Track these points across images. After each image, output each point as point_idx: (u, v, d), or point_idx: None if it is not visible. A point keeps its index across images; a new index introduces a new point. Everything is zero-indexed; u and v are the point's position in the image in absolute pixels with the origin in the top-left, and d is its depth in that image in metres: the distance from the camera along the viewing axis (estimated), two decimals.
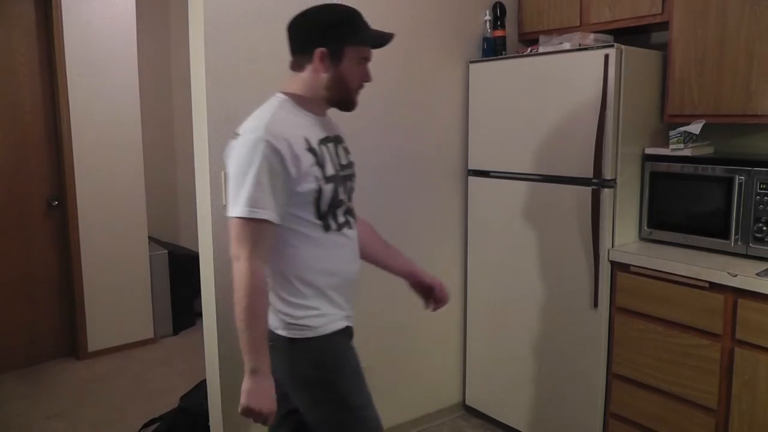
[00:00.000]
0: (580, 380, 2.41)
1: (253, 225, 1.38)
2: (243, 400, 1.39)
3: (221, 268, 2.10)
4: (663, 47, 2.38)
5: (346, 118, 2.51)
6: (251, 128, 1.41)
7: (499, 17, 2.70)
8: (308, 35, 1.48)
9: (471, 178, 2.77)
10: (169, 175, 4.49)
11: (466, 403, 2.94)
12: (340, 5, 1.54)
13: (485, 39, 2.71)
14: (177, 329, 4.04)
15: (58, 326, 3.64)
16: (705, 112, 2.23)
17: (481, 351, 2.84)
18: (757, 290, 1.88)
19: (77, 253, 3.56)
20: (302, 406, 1.57)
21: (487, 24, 2.71)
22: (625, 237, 2.35)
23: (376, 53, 2.44)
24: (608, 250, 2.29)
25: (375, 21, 2.41)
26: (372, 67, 2.42)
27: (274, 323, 1.51)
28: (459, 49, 2.69)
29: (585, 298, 2.36)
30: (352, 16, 1.51)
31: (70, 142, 3.47)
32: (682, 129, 2.27)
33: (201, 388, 2.63)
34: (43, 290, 3.57)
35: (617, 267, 2.27)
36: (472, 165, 2.76)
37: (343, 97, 1.54)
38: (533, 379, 2.60)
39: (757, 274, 1.91)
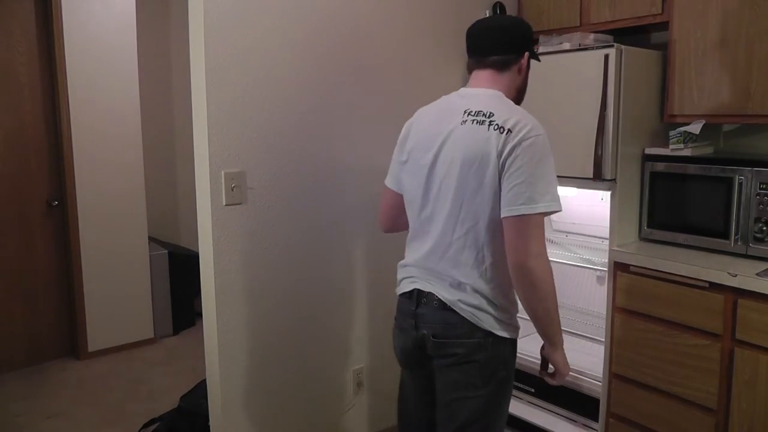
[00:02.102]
0: None
1: (544, 218, 1.43)
2: (567, 368, 1.57)
3: (221, 268, 2.10)
4: (663, 47, 2.38)
5: (344, 118, 2.50)
6: (532, 125, 1.43)
7: None
8: (519, 40, 1.58)
9: None
10: (169, 175, 4.49)
11: None
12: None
13: None
14: (177, 329, 4.04)
15: (58, 326, 3.64)
16: (705, 112, 2.23)
17: None
18: (757, 290, 1.88)
19: (77, 253, 3.56)
20: (471, 401, 1.56)
21: None
22: (625, 237, 2.35)
23: (376, 54, 2.45)
24: (608, 250, 2.29)
25: (375, 21, 2.43)
26: (371, 66, 2.45)
27: (488, 321, 1.51)
28: (459, 49, 2.68)
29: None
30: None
31: (70, 142, 3.47)
32: (682, 129, 2.27)
33: (201, 388, 2.64)
34: (43, 290, 3.57)
35: (617, 267, 2.27)
36: None
37: (522, 99, 1.64)
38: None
39: (757, 274, 1.91)
